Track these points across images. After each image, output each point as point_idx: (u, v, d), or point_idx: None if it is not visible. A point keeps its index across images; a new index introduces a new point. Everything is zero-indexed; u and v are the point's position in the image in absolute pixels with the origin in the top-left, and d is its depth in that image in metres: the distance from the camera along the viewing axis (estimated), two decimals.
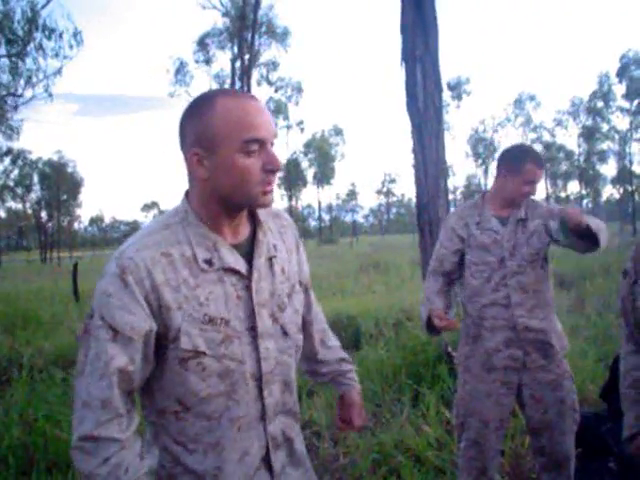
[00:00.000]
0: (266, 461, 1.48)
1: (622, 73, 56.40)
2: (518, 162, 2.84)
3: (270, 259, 1.50)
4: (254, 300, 1.43)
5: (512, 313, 2.81)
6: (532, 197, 2.98)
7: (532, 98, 68.19)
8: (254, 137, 1.34)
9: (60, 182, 68.49)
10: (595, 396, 4.45)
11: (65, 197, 72.69)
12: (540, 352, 2.83)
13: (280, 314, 1.50)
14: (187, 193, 1.47)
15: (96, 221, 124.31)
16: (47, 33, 22.73)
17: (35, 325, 9.18)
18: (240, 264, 1.42)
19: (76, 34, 23.39)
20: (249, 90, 33.08)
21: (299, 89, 61.97)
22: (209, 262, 1.38)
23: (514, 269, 2.83)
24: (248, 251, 1.46)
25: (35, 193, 70.62)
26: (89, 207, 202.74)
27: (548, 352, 2.84)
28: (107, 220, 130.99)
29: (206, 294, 1.37)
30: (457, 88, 64.37)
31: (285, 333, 1.51)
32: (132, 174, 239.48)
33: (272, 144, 1.40)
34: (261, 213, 1.52)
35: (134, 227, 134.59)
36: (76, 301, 12.28)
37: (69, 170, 72.19)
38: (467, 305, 2.96)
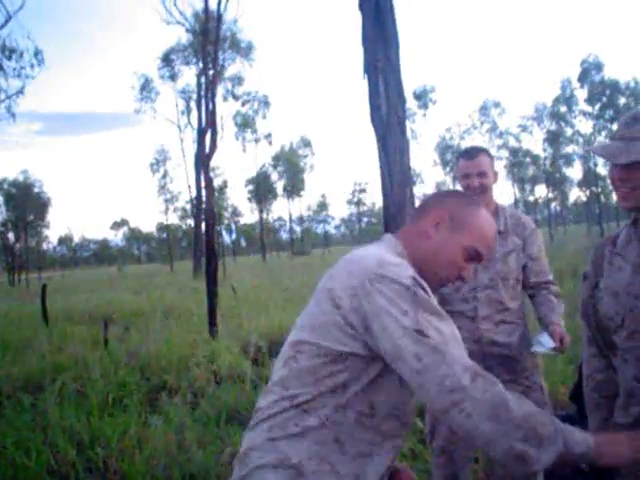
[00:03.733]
0: None
1: (583, 78, 57.45)
2: (456, 163, 2.92)
3: None
4: None
5: (477, 326, 2.81)
6: (509, 208, 3.02)
7: (497, 105, 69.04)
8: (482, 252, 1.60)
9: (26, 202, 67.42)
10: (565, 398, 4.49)
11: (32, 217, 71.57)
12: (504, 367, 2.82)
13: None
14: (400, 233, 1.68)
15: (65, 241, 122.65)
16: (7, 53, 22.48)
17: (2, 349, 8.99)
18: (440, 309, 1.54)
19: (37, 53, 23.18)
20: (214, 105, 32.92)
21: (266, 103, 62.10)
22: (440, 301, 1.63)
23: (485, 282, 2.83)
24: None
25: (1, 214, 69.47)
26: (57, 227, 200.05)
27: (513, 367, 2.84)
28: (76, 239, 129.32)
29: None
30: (423, 97, 64.91)
31: None
32: (100, 192, 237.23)
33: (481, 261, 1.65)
34: None
35: (104, 245, 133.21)
36: (45, 324, 12.07)
37: (35, 190, 71.16)
38: None
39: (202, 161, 35.12)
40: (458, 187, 3.05)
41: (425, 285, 1.45)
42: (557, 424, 1.35)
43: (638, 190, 1.74)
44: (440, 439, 2.89)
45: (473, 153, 2.93)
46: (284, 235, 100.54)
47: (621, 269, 1.87)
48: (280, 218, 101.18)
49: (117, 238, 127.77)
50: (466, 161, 2.89)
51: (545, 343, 2.70)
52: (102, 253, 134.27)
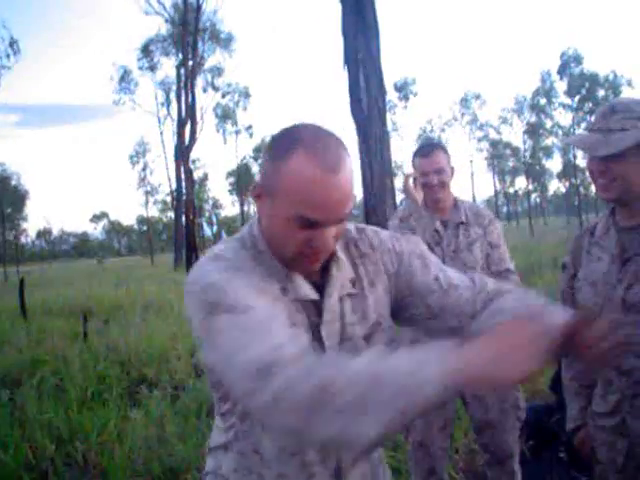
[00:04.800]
0: None
1: (563, 70, 57.82)
2: (412, 161, 2.94)
3: (341, 299, 1.31)
4: (325, 343, 1.27)
5: None
6: (467, 201, 3.04)
7: (477, 97, 69.43)
8: (314, 218, 1.15)
9: (3, 195, 66.63)
10: (545, 388, 4.53)
11: (9, 211, 70.83)
12: None
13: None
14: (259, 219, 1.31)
15: (44, 234, 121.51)
16: None
17: None
18: (313, 295, 1.27)
19: (13, 43, 22.83)
20: (193, 97, 32.79)
21: (246, 94, 61.87)
22: (285, 290, 1.24)
23: None
24: (320, 285, 1.29)
25: None
26: (36, 220, 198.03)
27: None
28: (55, 232, 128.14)
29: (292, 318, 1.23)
30: (404, 89, 65.06)
31: None
32: (80, 185, 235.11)
33: (340, 221, 1.21)
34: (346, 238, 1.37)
35: (83, 239, 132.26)
36: (24, 318, 11.95)
37: (13, 183, 70.43)
38: None
39: (182, 153, 34.94)
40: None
41: (220, 282, 1.16)
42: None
43: (617, 181, 1.75)
44: (416, 433, 2.89)
45: (429, 150, 2.92)
46: None
47: (599, 259, 1.88)
48: None
49: (97, 231, 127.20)
50: (423, 159, 2.89)
51: None
52: (82, 246, 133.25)
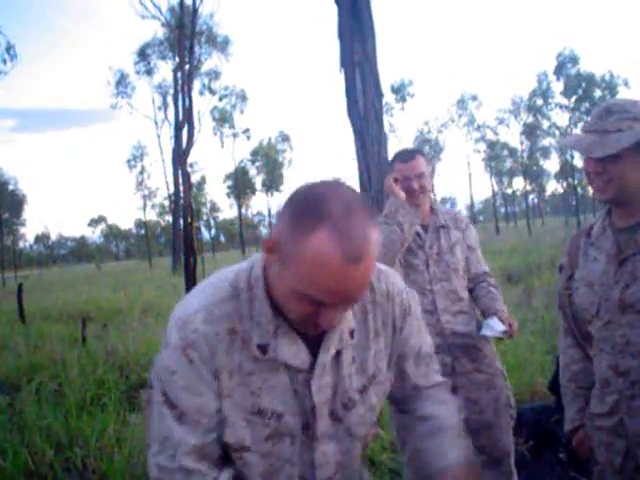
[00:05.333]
0: None
1: (559, 71, 57.86)
2: (392, 166, 2.93)
3: (339, 351, 1.27)
4: (314, 399, 1.24)
5: (438, 319, 2.84)
6: (442, 207, 3.09)
7: (474, 98, 69.43)
8: (323, 300, 1.08)
9: (1, 200, 66.58)
10: (544, 388, 4.53)
11: (7, 215, 70.77)
12: (469, 357, 2.87)
13: (345, 413, 1.29)
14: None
15: (42, 239, 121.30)
16: None
17: None
18: (300, 359, 1.22)
19: (9, 48, 22.76)
20: (190, 100, 32.74)
21: (243, 97, 61.90)
22: (263, 349, 1.20)
23: (439, 275, 2.88)
24: (317, 339, 1.24)
25: None
26: (34, 224, 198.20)
27: (477, 356, 2.88)
28: (53, 237, 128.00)
29: (260, 383, 1.21)
30: (400, 91, 65.06)
31: (350, 434, 1.31)
32: (77, 189, 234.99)
33: (347, 305, 1.17)
34: None
35: (81, 243, 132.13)
36: (22, 323, 11.93)
37: (10, 188, 70.38)
38: None
39: (179, 157, 34.92)
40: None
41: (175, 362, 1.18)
42: None
43: (613, 182, 1.75)
44: None
45: (410, 155, 2.91)
46: (263, 230, 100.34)
47: (596, 260, 1.89)
48: (259, 213, 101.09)
49: (95, 235, 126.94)
50: (403, 164, 2.88)
51: (495, 327, 2.75)
52: (80, 251, 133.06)
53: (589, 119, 1.81)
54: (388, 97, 62.58)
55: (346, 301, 1.12)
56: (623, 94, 54.88)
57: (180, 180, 35.22)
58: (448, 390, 1.51)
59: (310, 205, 1.07)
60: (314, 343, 1.23)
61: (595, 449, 1.93)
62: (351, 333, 1.28)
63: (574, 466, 3.36)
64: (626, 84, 56.41)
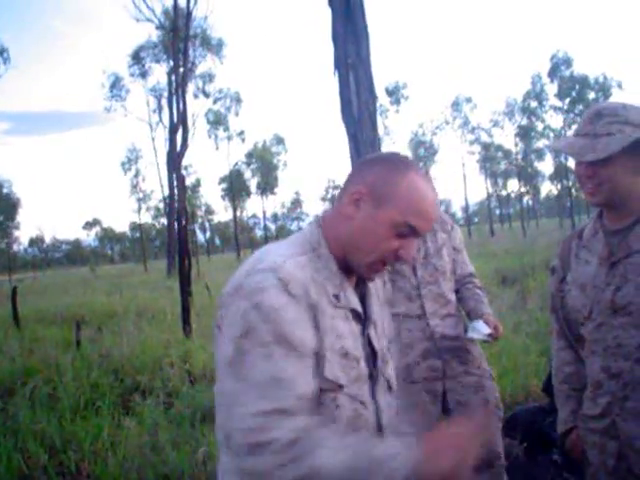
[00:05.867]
0: None
1: (553, 73, 58.10)
2: None
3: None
4: (375, 345, 1.40)
5: (427, 323, 2.84)
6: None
7: (468, 100, 69.55)
8: (418, 226, 1.31)
9: None
10: (538, 390, 4.54)
11: (1, 218, 70.58)
12: (458, 359, 2.87)
13: (385, 367, 1.44)
14: (322, 219, 1.42)
15: (36, 242, 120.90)
16: None
17: None
18: (360, 308, 1.38)
19: (2, 51, 22.72)
20: (184, 103, 32.81)
21: (238, 100, 61.89)
22: (337, 297, 1.32)
23: (426, 279, 2.87)
24: (360, 297, 1.41)
25: None
26: (28, 227, 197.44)
27: (466, 358, 2.88)
28: (48, 240, 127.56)
29: (341, 327, 1.31)
30: (395, 93, 65.16)
31: (390, 387, 1.46)
32: (72, 192, 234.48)
33: (425, 233, 1.40)
34: None
35: (76, 246, 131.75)
36: (17, 326, 11.89)
37: (4, 191, 70.21)
38: None
39: (173, 159, 34.87)
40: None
41: (277, 304, 1.21)
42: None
43: (604, 186, 1.76)
44: None
45: None
46: (258, 233, 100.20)
47: (588, 262, 1.89)
48: (254, 216, 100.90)
49: (89, 238, 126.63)
50: None
51: (481, 329, 2.75)
52: (74, 254, 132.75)
53: (580, 123, 1.82)
54: (383, 99, 62.74)
55: (429, 228, 1.36)
56: (616, 96, 55.18)
57: (175, 183, 35.18)
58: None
59: (397, 159, 1.37)
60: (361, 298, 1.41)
61: (588, 451, 1.93)
62: (377, 297, 1.49)
63: (568, 468, 3.36)
64: (619, 86, 56.72)
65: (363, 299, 1.41)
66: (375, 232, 1.31)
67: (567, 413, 2.06)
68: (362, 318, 1.38)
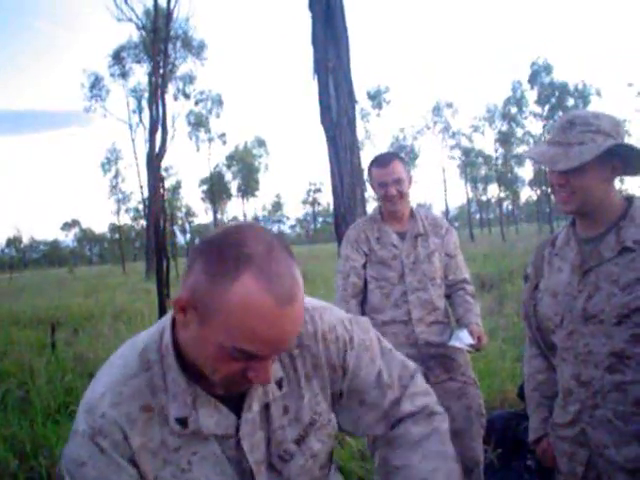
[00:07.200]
0: None
1: (533, 79, 58.57)
2: (369, 172, 2.90)
3: (267, 404, 1.18)
4: (250, 460, 1.15)
5: (413, 329, 2.82)
6: (423, 210, 3.05)
7: (449, 105, 69.92)
8: (255, 351, 0.99)
9: None
10: (514, 395, 4.55)
11: None
12: (443, 367, 2.85)
13: (283, 465, 1.19)
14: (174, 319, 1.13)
15: (14, 242, 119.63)
16: None
17: None
18: (224, 425, 1.13)
19: None
20: (164, 104, 32.62)
21: (219, 102, 61.72)
22: (183, 422, 1.10)
23: (414, 285, 2.84)
24: (239, 398, 1.15)
25: None
26: (5, 227, 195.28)
27: (450, 365, 2.86)
28: (25, 240, 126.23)
29: (188, 457, 1.11)
30: (377, 97, 65.37)
31: None
32: (51, 192, 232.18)
33: (285, 350, 1.11)
34: None
35: (54, 247, 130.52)
36: None
37: None
38: None
39: (153, 161, 34.69)
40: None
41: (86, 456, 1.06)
42: None
43: (576, 194, 1.76)
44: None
45: (386, 160, 2.88)
46: None
47: (560, 270, 1.90)
48: (235, 218, 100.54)
49: (68, 239, 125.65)
50: (380, 169, 2.85)
51: (464, 339, 2.75)
52: (52, 254, 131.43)
53: (552, 131, 1.82)
54: (364, 103, 62.93)
55: (281, 349, 1.03)
56: (595, 103, 55.77)
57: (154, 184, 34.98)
58: (434, 408, 1.40)
59: (227, 251, 0.98)
60: (236, 403, 1.15)
61: (558, 459, 1.94)
62: (278, 383, 1.19)
63: (541, 475, 3.37)
64: (598, 93, 57.31)
65: (242, 399, 1.16)
66: (207, 353, 1.02)
67: (538, 421, 2.07)
68: (231, 433, 1.14)
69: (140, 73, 69.02)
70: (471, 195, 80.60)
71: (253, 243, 0.99)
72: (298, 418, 1.22)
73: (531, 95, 60.49)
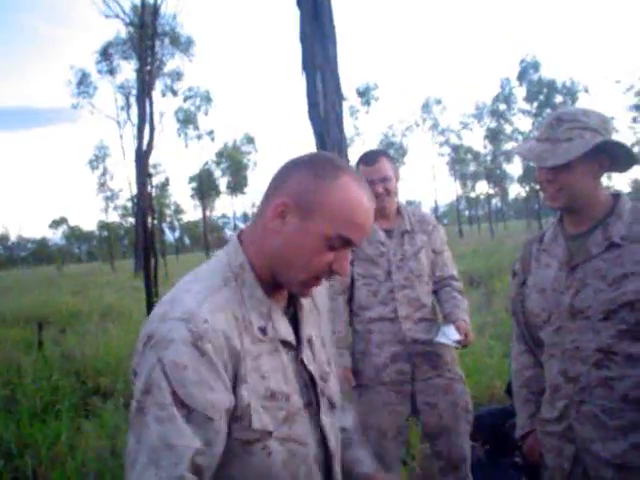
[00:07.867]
0: None
1: (522, 77, 58.73)
2: (356, 169, 2.87)
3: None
4: (310, 369, 1.28)
5: (400, 327, 2.81)
6: (411, 207, 3.04)
7: (438, 102, 70.07)
8: (352, 238, 1.19)
9: None
10: (502, 392, 4.56)
11: None
12: (429, 363, 2.84)
13: (325, 385, 1.33)
14: (242, 234, 1.29)
15: (1, 240, 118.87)
16: None
17: None
18: (291, 335, 1.26)
19: None
20: (151, 101, 32.51)
21: (208, 99, 61.51)
22: (263, 331, 1.21)
23: (401, 282, 2.83)
24: (292, 315, 1.31)
25: None
26: None
27: (437, 362, 2.85)
28: (13, 238, 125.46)
29: (267, 365, 1.20)
30: (366, 94, 65.36)
31: (332, 405, 1.35)
32: (38, 190, 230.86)
33: (359, 244, 1.26)
34: None
35: (42, 244, 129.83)
36: None
37: None
38: (354, 320, 2.92)
39: (141, 157, 34.57)
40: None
41: (184, 362, 1.09)
42: None
43: (564, 190, 1.76)
44: (370, 444, 2.85)
45: (373, 158, 2.86)
46: (228, 232, 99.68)
47: (548, 266, 1.90)
48: (224, 215, 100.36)
49: (56, 237, 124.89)
50: (367, 167, 2.83)
51: (450, 335, 2.73)
52: (41, 252, 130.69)
53: (541, 128, 1.82)
54: (353, 100, 62.91)
55: (365, 236, 1.22)
56: (583, 100, 55.99)
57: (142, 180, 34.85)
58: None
59: (324, 162, 1.22)
60: (291, 322, 1.29)
61: (545, 454, 1.93)
62: (311, 309, 1.38)
63: (529, 469, 3.37)
64: (586, 91, 57.50)
65: (295, 317, 1.32)
66: (305, 246, 1.18)
67: (525, 417, 2.07)
68: (294, 344, 1.27)
69: (128, 70, 68.85)
70: (460, 192, 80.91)
71: (339, 160, 1.26)
72: (324, 344, 1.40)
73: (520, 92, 60.69)
